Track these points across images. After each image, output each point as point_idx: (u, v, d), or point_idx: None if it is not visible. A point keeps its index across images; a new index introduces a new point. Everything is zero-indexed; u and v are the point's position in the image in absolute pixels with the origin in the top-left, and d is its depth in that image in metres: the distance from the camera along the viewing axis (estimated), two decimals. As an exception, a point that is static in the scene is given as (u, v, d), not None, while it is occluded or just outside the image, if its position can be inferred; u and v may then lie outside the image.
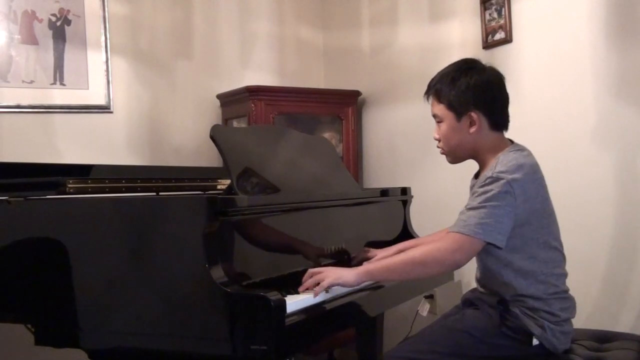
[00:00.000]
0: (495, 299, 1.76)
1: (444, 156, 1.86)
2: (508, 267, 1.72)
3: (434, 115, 1.82)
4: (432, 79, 1.82)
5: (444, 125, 1.79)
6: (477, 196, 1.67)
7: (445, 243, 1.66)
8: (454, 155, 1.83)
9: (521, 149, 1.77)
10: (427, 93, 1.82)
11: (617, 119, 2.30)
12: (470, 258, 1.68)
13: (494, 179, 1.65)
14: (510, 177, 1.64)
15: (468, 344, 1.72)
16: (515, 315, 1.72)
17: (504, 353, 1.72)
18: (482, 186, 1.67)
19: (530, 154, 1.75)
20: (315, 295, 1.64)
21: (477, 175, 1.85)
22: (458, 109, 1.75)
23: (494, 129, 1.77)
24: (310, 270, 1.71)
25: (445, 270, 1.77)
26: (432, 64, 3.06)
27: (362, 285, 1.83)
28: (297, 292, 1.68)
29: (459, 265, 1.70)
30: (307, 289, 1.67)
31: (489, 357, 1.73)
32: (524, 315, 1.71)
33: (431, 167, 3.06)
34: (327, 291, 1.68)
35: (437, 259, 1.67)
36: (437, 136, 1.83)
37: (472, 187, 1.82)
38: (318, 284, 1.66)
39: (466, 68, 1.77)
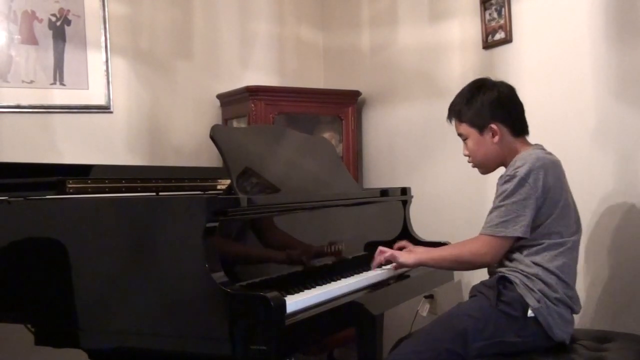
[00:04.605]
0: (494, 279, 1.82)
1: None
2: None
3: (460, 135, 2.00)
4: (451, 103, 2.00)
5: (469, 142, 1.97)
6: (497, 195, 1.83)
7: (476, 245, 1.84)
8: (484, 166, 2.00)
9: (542, 148, 1.92)
10: (449, 117, 2.01)
11: (617, 119, 2.30)
12: (501, 255, 1.83)
13: (511, 177, 1.80)
14: (524, 171, 1.77)
15: (466, 329, 1.76)
16: (513, 287, 1.78)
17: (502, 337, 1.76)
18: (501, 184, 1.83)
19: (550, 153, 1.89)
20: (375, 266, 2.03)
21: None
22: (479, 124, 1.93)
23: (515, 135, 1.93)
24: (380, 248, 2.03)
25: (478, 268, 1.96)
26: (432, 64, 3.08)
27: (362, 285, 1.91)
28: (297, 293, 1.69)
29: (490, 264, 1.88)
30: (379, 265, 2.03)
31: (487, 343, 1.76)
32: (522, 285, 1.77)
33: (431, 167, 3.05)
34: (395, 268, 2.05)
35: (470, 260, 1.88)
36: (466, 152, 2.00)
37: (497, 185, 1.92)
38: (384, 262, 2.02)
39: (478, 87, 1.95)
